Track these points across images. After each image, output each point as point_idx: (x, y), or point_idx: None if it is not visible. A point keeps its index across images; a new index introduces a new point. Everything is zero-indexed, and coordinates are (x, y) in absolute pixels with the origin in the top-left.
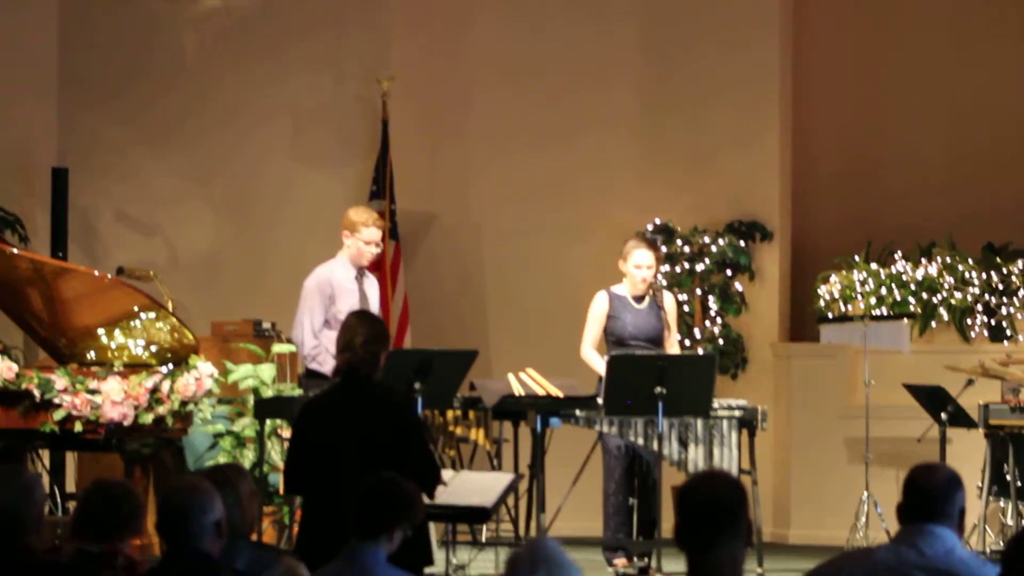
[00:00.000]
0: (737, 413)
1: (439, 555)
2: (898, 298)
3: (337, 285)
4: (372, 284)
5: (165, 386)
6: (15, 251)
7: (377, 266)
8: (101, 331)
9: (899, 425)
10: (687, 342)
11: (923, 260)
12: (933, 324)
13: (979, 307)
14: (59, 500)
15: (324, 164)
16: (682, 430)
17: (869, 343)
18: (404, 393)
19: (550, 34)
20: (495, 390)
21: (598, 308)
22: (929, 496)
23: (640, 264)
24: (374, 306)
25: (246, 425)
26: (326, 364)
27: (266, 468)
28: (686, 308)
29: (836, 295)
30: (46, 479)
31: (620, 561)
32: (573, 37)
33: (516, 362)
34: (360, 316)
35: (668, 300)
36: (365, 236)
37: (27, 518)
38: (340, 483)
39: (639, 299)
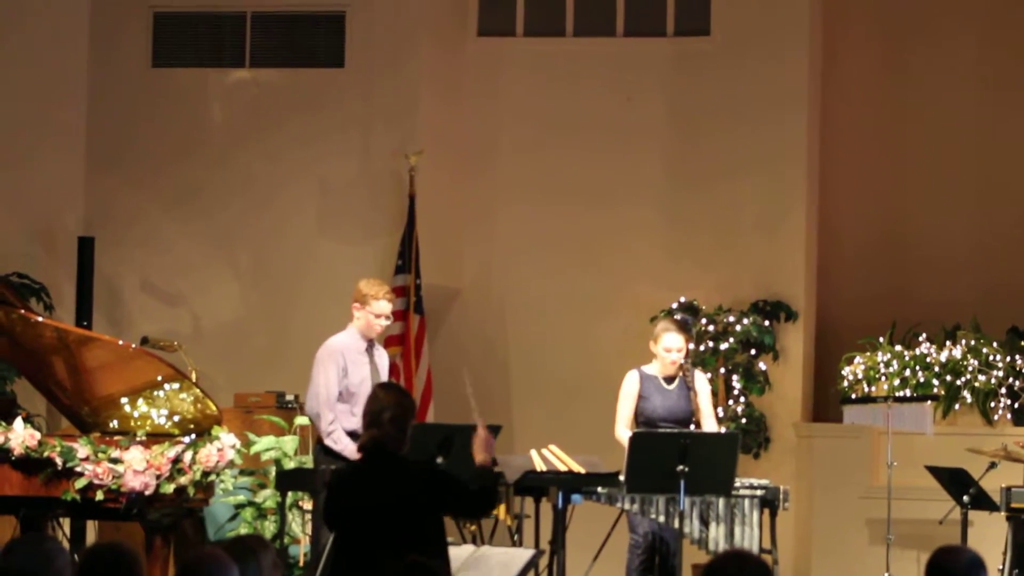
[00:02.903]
0: (759, 492)
1: None
2: (922, 380)
3: (349, 357)
4: (382, 355)
5: (187, 456)
6: (40, 319)
7: (401, 340)
8: (124, 400)
9: (921, 507)
10: None
11: (948, 342)
12: (956, 406)
13: (1003, 390)
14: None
15: (350, 237)
16: (703, 508)
17: (892, 424)
18: (425, 462)
19: (578, 107)
20: (517, 466)
21: (629, 388)
22: None
23: (670, 347)
24: (383, 378)
25: (267, 496)
26: (340, 443)
27: (287, 540)
28: (710, 387)
29: (860, 376)
30: (66, 547)
31: None
32: (601, 109)
33: (539, 438)
34: (387, 389)
35: (700, 381)
36: (375, 309)
37: None
38: (366, 555)
39: (669, 380)
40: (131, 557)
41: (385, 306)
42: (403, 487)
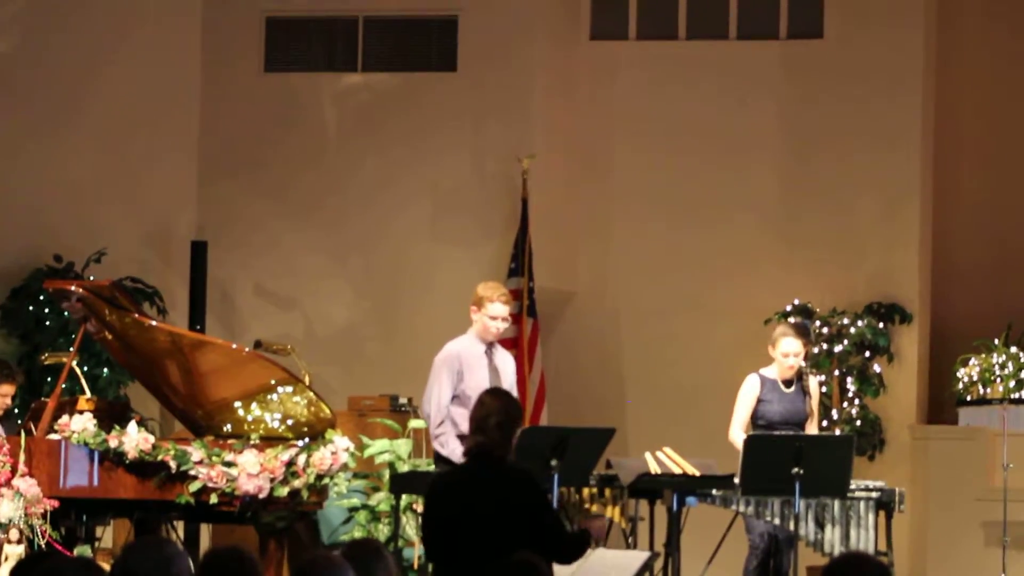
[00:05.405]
0: (874, 494)
1: None
2: None
3: (465, 360)
4: (504, 358)
5: (301, 460)
6: (153, 323)
7: (514, 343)
8: (238, 404)
9: None
10: (824, 423)
11: None
12: None
13: None
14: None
15: (463, 240)
16: (819, 511)
17: (1008, 426)
18: (528, 470)
19: (691, 111)
20: (631, 468)
21: (750, 391)
22: None
23: (788, 352)
24: (509, 379)
25: (381, 500)
26: (447, 447)
27: (401, 543)
28: (824, 389)
29: (975, 378)
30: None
31: None
32: (714, 113)
33: (653, 440)
34: (494, 395)
35: (814, 385)
36: (490, 311)
37: None
38: (464, 559)
39: (788, 383)
40: (250, 561)
41: (500, 308)
42: (504, 493)
